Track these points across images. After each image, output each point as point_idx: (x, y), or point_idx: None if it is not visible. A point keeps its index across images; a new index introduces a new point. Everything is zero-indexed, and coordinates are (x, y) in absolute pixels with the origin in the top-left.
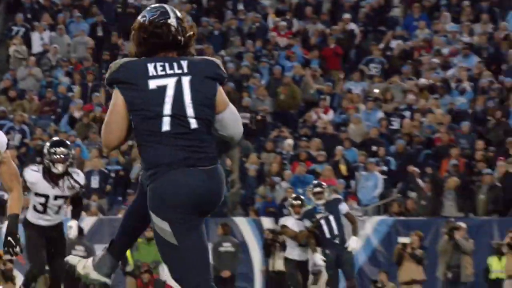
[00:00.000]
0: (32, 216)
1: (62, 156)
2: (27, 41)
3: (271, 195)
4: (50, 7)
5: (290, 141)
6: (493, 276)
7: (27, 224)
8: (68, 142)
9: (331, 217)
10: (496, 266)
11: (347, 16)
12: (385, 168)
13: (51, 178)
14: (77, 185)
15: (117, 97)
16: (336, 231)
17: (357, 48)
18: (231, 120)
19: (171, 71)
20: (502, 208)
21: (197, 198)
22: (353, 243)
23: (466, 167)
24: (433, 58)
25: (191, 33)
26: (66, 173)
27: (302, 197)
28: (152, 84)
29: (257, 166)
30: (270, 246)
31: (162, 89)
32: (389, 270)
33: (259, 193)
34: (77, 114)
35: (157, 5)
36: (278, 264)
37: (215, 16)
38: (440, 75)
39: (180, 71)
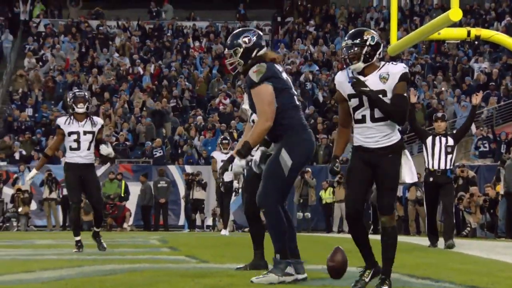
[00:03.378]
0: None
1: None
2: None
3: (191, 151)
4: None
5: (201, 117)
6: (323, 202)
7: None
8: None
9: None
10: (325, 195)
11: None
12: None
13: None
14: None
15: (268, 87)
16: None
17: None
18: None
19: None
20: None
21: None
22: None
23: None
24: (289, 65)
25: None
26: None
27: (228, 138)
28: (283, 75)
29: (183, 133)
30: (190, 183)
31: (287, 78)
32: None
33: (184, 150)
34: None
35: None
36: (195, 195)
37: (156, 39)
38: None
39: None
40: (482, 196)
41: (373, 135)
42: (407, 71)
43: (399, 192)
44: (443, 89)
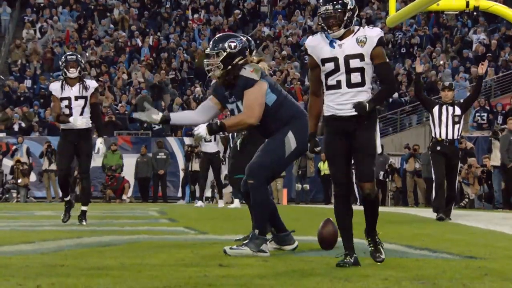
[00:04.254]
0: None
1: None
2: None
3: None
4: None
5: (199, 89)
6: (322, 173)
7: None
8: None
9: None
10: (324, 167)
11: (237, 11)
12: None
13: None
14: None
15: (265, 84)
16: None
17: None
18: None
19: None
20: None
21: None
22: None
23: None
24: (288, 37)
25: None
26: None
27: None
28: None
29: (180, 104)
30: (189, 155)
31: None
32: None
33: None
34: None
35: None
36: (195, 166)
37: (157, 7)
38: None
39: None
40: (480, 167)
41: (348, 101)
42: (383, 35)
43: (397, 164)
44: (441, 62)
